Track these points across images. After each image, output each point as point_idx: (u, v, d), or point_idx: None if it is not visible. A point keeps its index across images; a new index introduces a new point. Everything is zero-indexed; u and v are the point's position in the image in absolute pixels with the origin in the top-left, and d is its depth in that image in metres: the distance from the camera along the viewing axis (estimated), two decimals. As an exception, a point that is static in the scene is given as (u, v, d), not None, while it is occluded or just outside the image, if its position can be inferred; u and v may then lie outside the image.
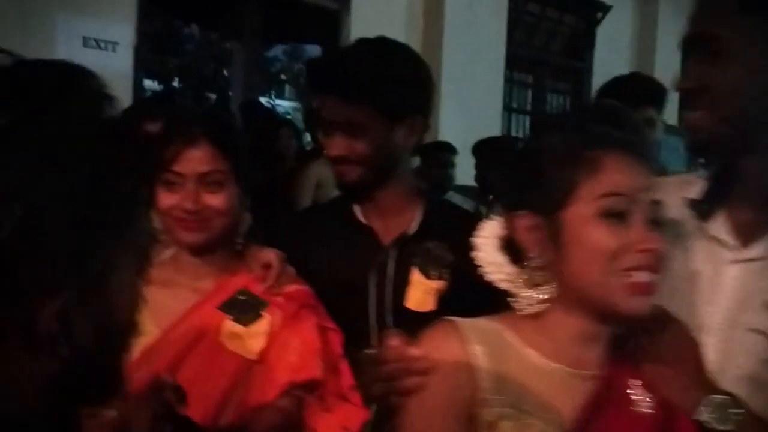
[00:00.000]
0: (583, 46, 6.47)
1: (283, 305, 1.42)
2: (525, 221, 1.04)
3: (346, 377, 1.41)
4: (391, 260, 1.56)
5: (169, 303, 1.38)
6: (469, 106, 5.04)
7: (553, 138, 1.04)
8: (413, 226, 1.60)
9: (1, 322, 0.59)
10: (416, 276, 1.54)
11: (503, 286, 1.08)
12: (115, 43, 3.55)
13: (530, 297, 1.04)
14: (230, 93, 6.74)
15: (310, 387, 1.39)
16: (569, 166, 1.00)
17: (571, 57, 6.43)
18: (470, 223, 1.72)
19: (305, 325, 1.41)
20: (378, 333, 1.54)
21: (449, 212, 1.72)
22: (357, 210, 1.63)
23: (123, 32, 3.60)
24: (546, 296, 1.03)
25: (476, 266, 1.54)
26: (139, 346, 1.26)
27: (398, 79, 1.53)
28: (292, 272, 1.49)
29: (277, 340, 1.38)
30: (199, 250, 1.41)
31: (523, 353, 1.04)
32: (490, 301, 1.42)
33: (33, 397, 0.62)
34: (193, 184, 1.35)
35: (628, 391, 1.03)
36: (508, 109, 5.89)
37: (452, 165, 4.39)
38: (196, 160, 1.36)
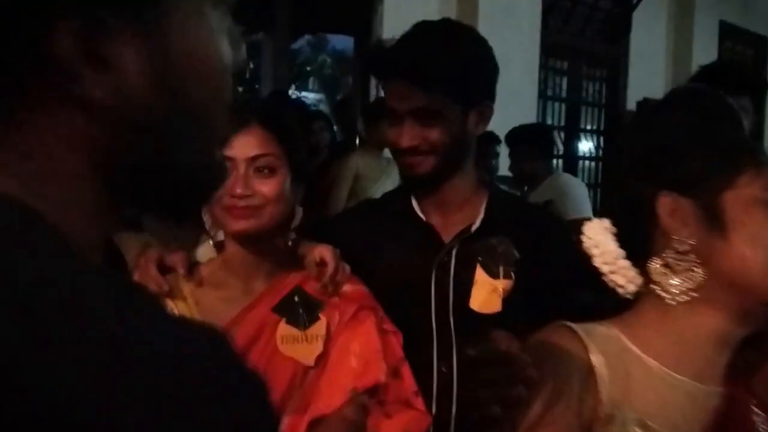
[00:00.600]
0: (619, 31, 6.32)
1: (340, 306, 1.35)
2: (668, 202, 0.95)
3: (408, 381, 1.35)
4: (453, 258, 1.48)
5: (220, 305, 1.33)
6: (504, 93, 4.90)
7: (710, 117, 0.96)
8: (476, 221, 1.52)
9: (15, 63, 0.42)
10: (481, 275, 1.46)
11: (618, 280, 1.00)
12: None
13: (680, 285, 0.94)
14: (258, 86, 6.69)
15: (372, 392, 1.32)
16: (732, 148, 0.95)
17: (607, 43, 6.29)
18: (537, 217, 1.67)
19: (365, 328, 1.34)
20: (439, 334, 1.46)
21: (514, 205, 1.64)
22: (415, 205, 1.54)
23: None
24: (694, 285, 0.94)
25: (545, 263, 1.47)
26: None
27: (472, 62, 1.46)
28: (347, 270, 1.42)
29: (335, 344, 1.32)
30: (249, 242, 1.34)
31: (645, 363, 0.95)
32: (559, 301, 1.37)
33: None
34: (244, 168, 1.29)
35: (753, 414, 0.93)
36: (543, 96, 5.77)
37: (497, 155, 4.27)
38: (247, 144, 1.30)
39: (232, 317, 1.31)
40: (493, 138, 4.13)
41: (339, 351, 1.32)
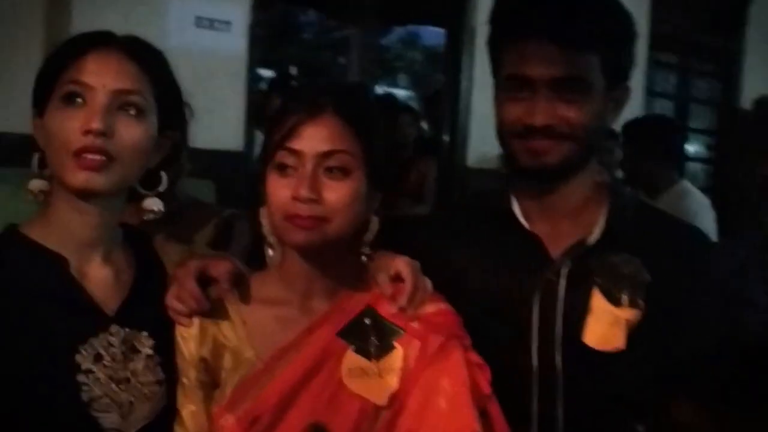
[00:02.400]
0: (733, 23, 5.90)
1: (421, 333, 1.15)
2: None
3: (499, 424, 1.15)
4: (562, 278, 1.24)
5: (274, 326, 1.16)
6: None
7: None
8: (595, 233, 1.25)
9: None
10: (599, 301, 1.20)
11: None
12: (228, 23, 3.36)
13: None
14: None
15: None
16: None
17: (720, 35, 5.89)
18: (677, 231, 1.34)
19: (453, 361, 1.14)
20: (542, 375, 1.22)
21: (645, 215, 1.35)
22: (516, 208, 1.27)
23: (237, 12, 3.43)
24: None
25: (684, 291, 1.19)
26: (235, 378, 1.11)
27: (625, 29, 1.23)
28: (429, 286, 1.19)
29: (415, 381, 1.13)
30: (310, 255, 1.15)
31: None
32: (698, 336, 1.17)
33: None
34: (312, 166, 1.10)
35: None
36: (650, 93, 5.47)
37: (610, 151, 3.77)
38: (317, 136, 1.11)
39: (287, 341, 1.14)
40: (611, 134, 3.44)
41: (424, 390, 1.13)
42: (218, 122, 3.01)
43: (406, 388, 1.12)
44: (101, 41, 1.12)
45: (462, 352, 1.14)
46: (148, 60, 1.14)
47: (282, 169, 1.11)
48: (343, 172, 1.11)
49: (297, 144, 1.10)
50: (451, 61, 4.64)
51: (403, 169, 4.26)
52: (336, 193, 1.10)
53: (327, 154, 1.11)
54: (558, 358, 1.21)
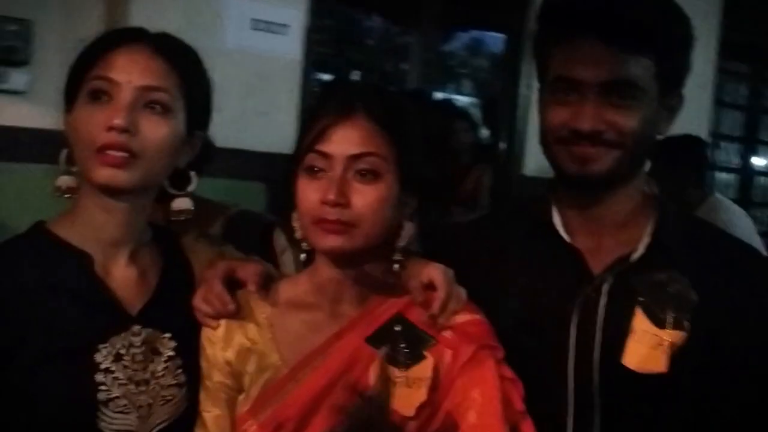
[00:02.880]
0: (812, 31, 5.59)
1: (453, 343, 1.10)
2: None
3: None
4: (603, 295, 1.16)
5: (302, 330, 1.13)
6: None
7: None
8: (639, 248, 1.18)
9: None
10: (641, 321, 1.13)
11: None
12: (286, 26, 3.36)
13: None
14: (405, 87, 6.56)
15: None
16: None
17: None
18: (729, 248, 1.24)
19: (483, 371, 1.09)
20: (578, 394, 1.15)
21: (695, 230, 1.27)
22: (556, 219, 1.21)
23: (294, 15, 3.42)
24: None
25: (736, 314, 1.10)
26: (260, 382, 1.09)
27: (683, 32, 1.17)
28: (463, 296, 1.14)
29: (446, 392, 1.09)
30: (341, 261, 1.12)
31: None
32: (748, 363, 1.09)
33: None
34: (342, 169, 1.07)
35: None
36: (720, 103, 5.23)
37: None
38: (347, 138, 1.08)
39: (315, 346, 1.11)
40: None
41: (452, 400, 1.08)
42: (272, 125, 3.00)
43: (434, 400, 1.08)
44: (131, 37, 1.11)
45: (494, 363, 1.10)
46: (178, 56, 1.12)
47: (311, 172, 1.08)
48: (374, 175, 1.07)
49: (326, 147, 1.07)
50: (510, 67, 4.55)
51: (457, 177, 4.18)
52: (365, 197, 1.06)
53: (357, 157, 1.07)
54: (595, 379, 1.14)
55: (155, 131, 1.07)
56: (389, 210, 1.09)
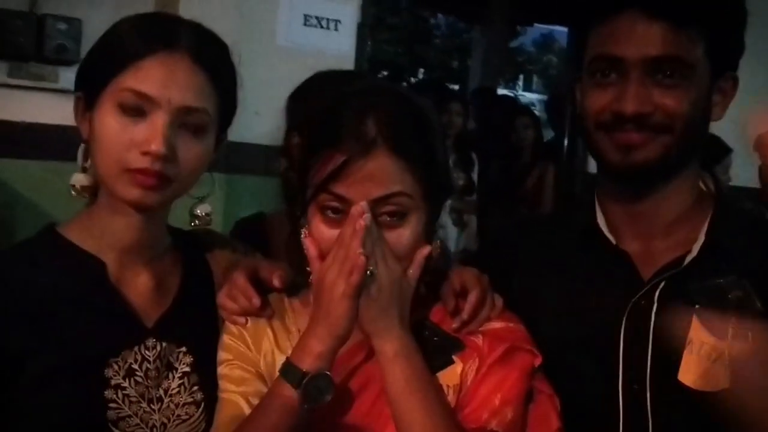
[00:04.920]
0: None
1: (482, 349, 1.01)
2: None
3: None
4: (654, 303, 1.04)
5: None
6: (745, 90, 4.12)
7: None
8: (694, 250, 1.04)
9: None
10: (699, 332, 1.00)
11: None
12: (338, 21, 3.30)
13: None
14: (468, 84, 6.45)
15: None
16: None
17: None
18: None
19: (510, 371, 0.99)
20: (628, 411, 1.03)
21: (758, 230, 1.11)
22: (601, 221, 1.09)
23: (347, 11, 3.36)
24: None
25: None
26: None
27: (736, 6, 1.05)
28: (499, 303, 1.04)
29: (473, 395, 1.00)
30: None
31: None
32: None
33: None
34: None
35: None
36: None
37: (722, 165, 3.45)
38: (369, 179, 0.93)
39: (342, 352, 1.01)
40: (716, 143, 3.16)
41: (474, 405, 1.00)
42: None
43: (460, 404, 0.99)
44: (167, 41, 0.97)
45: (526, 367, 1.00)
46: (217, 67, 1.01)
47: (325, 211, 0.95)
48: (401, 217, 0.94)
49: (343, 189, 0.93)
50: (573, 62, 4.41)
51: (520, 175, 4.06)
52: (393, 244, 0.94)
53: (381, 201, 0.94)
54: (648, 395, 1.02)
55: (191, 154, 0.97)
56: (416, 246, 0.96)
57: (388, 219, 0.94)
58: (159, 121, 0.94)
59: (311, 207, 0.96)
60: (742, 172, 3.45)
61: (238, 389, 1.00)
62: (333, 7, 3.32)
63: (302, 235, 0.98)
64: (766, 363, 0.98)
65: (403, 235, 0.94)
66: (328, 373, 0.91)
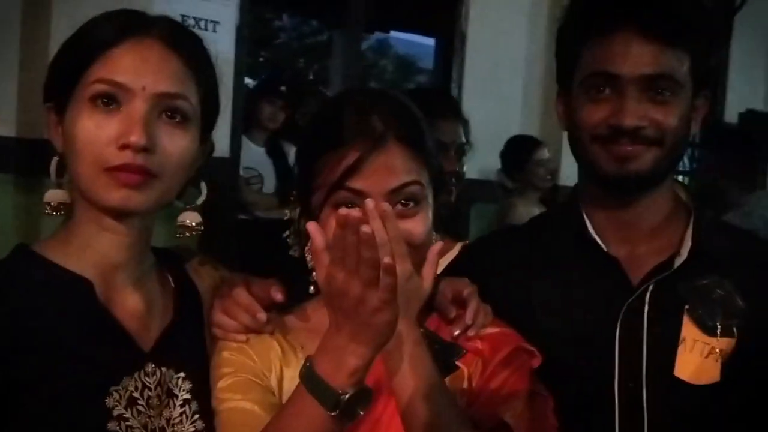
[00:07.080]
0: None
1: (484, 352, 1.03)
2: None
3: None
4: (646, 305, 1.09)
5: None
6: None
7: None
8: (681, 253, 1.11)
9: None
10: (691, 329, 1.07)
11: None
12: (216, 23, 3.18)
13: None
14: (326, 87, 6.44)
15: None
16: None
17: None
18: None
19: (517, 369, 1.02)
20: (624, 410, 1.08)
21: (733, 235, 1.22)
22: (590, 227, 1.15)
23: (225, 12, 3.24)
24: None
25: None
26: None
27: (718, 27, 1.15)
28: (490, 313, 1.06)
29: (474, 399, 1.01)
30: None
31: None
32: None
33: None
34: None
35: None
36: None
37: None
38: (383, 171, 0.95)
39: None
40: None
41: (487, 392, 1.02)
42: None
43: (470, 405, 1.00)
44: (137, 27, 0.91)
45: (527, 368, 1.03)
46: (193, 53, 0.94)
47: (340, 208, 0.93)
48: (416, 203, 0.97)
49: (360, 183, 0.94)
50: (441, 69, 4.51)
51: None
52: (411, 229, 0.95)
53: (398, 189, 0.95)
54: (644, 394, 1.07)
55: (174, 145, 0.90)
56: (431, 236, 0.99)
57: (405, 207, 0.95)
58: (135, 110, 0.87)
59: (325, 208, 0.95)
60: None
61: (246, 396, 0.95)
62: (211, 7, 3.21)
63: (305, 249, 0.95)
64: (750, 356, 1.06)
65: (419, 223, 0.96)
66: (368, 387, 0.87)
